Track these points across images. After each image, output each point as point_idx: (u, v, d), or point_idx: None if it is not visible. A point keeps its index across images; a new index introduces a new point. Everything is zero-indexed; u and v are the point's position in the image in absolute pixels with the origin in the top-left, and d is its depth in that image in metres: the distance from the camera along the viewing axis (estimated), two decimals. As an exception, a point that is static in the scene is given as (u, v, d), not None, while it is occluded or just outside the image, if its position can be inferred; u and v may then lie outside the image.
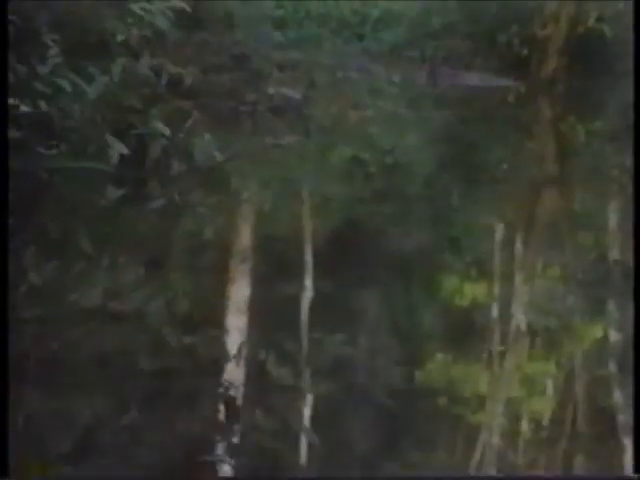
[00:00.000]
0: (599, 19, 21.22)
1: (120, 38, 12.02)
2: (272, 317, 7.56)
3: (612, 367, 6.98)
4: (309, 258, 9.21)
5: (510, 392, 6.56)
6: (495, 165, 14.22)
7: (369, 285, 8.46)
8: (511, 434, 5.82)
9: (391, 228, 10.47)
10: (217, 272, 8.67)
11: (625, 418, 6.11)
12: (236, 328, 7.39)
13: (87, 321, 7.11)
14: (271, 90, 15.22)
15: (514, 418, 6.05)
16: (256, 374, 6.45)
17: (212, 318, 7.48)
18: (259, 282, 8.52)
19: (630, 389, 6.44)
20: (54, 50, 10.71)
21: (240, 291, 8.35)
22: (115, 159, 10.51)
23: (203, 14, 16.15)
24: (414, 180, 13.03)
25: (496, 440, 5.76)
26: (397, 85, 19.64)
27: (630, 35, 21.26)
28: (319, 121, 16.05)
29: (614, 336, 7.54)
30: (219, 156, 11.31)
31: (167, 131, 11.10)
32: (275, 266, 8.94)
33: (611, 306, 8.26)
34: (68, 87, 10.55)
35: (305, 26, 20.37)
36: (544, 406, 6.35)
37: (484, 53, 20.87)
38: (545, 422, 6.06)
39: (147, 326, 7.17)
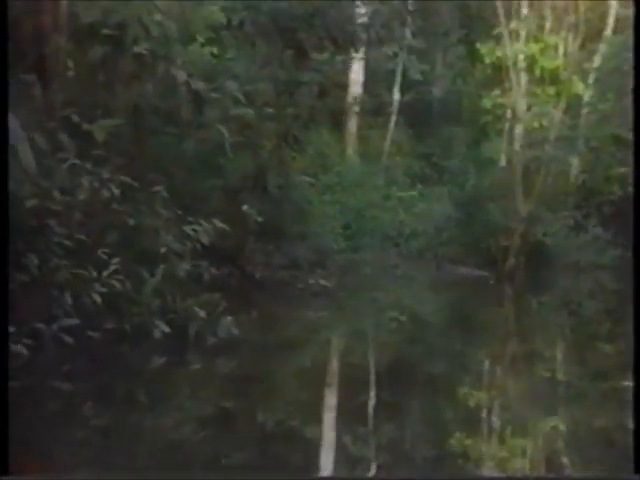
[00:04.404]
0: (544, 234, 21.30)
1: (164, 249, 10.34)
2: (350, 415, 7.63)
3: (561, 444, 7.09)
4: (373, 378, 9.34)
5: (499, 455, 6.72)
6: (481, 323, 14.12)
7: (412, 394, 8.54)
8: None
9: (423, 360, 10.50)
10: (316, 389, 8.69)
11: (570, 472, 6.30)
12: (328, 421, 7.58)
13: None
14: (311, 280, 15.00)
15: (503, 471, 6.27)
16: (338, 448, 6.58)
17: (311, 418, 7.57)
18: (342, 393, 8.64)
19: (573, 456, 6.64)
20: (115, 259, 9.47)
21: (330, 399, 8.50)
22: (158, 335, 9.33)
23: (285, 229, 15.79)
24: (433, 331, 12.99)
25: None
26: (417, 274, 19.79)
27: (567, 243, 21.29)
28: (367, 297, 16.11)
29: (562, 427, 7.61)
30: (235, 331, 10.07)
31: (203, 314, 9.84)
32: (351, 382, 9.02)
33: (560, 409, 8.29)
34: (123, 287, 9.40)
35: (364, 239, 20.46)
36: (521, 464, 6.55)
37: (472, 255, 20.91)
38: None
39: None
